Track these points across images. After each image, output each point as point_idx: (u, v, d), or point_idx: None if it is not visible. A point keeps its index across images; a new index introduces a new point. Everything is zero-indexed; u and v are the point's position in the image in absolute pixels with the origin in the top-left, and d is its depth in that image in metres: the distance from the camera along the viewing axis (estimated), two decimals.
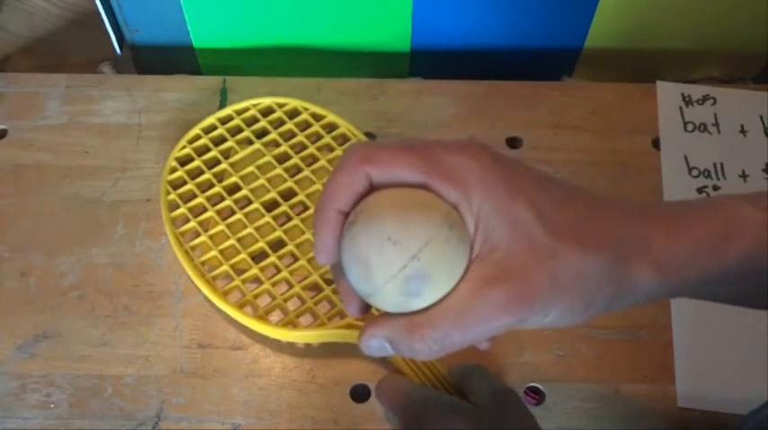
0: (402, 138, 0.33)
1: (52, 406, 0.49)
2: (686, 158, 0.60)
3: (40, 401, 0.49)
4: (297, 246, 0.54)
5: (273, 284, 0.52)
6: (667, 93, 0.64)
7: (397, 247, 0.30)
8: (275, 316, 0.51)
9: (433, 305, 0.31)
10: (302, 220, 0.55)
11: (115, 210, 0.57)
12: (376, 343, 0.33)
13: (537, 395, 0.50)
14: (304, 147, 0.59)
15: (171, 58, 0.68)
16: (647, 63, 0.69)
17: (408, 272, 0.30)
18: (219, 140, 0.59)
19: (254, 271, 0.52)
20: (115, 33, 0.66)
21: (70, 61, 0.71)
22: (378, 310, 0.33)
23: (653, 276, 0.31)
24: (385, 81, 0.64)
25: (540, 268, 0.31)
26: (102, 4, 0.63)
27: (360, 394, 0.49)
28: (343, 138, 0.59)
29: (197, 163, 0.58)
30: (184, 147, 0.58)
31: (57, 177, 0.58)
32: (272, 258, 0.53)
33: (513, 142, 0.61)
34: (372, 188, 0.33)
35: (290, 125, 0.60)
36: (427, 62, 0.69)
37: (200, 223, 0.55)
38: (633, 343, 0.52)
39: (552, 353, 0.51)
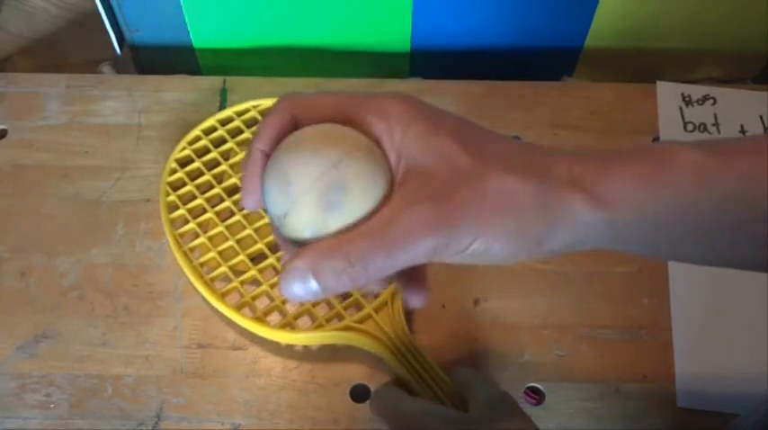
0: None
1: (52, 406, 0.49)
2: None
3: (40, 401, 0.49)
4: None
5: (272, 286, 0.52)
6: (667, 93, 0.64)
7: (317, 155, 0.31)
8: (273, 317, 0.51)
9: (353, 226, 0.30)
10: None
11: (115, 210, 0.57)
12: (298, 275, 0.30)
13: (537, 395, 0.50)
14: None
15: (171, 58, 0.68)
16: (647, 63, 0.69)
17: (327, 179, 0.30)
18: (219, 142, 0.59)
19: (253, 272, 0.52)
20: (115, 33, 0.66)
21: (70, 61, 0.71)
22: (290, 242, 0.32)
23: (586, 206, 0.30)
24: (385, 81, 0.64)
25: (465, 187, 0.29)
26: (102, 4, 0.63)
27: (360, 394, 0.49)
28: None
29: (197, 164, 0.58)
30: (184, 148, 0.58)
31: (57, 177, 0.58)
32: (271, 259, 0.53)
33: None
34: (296, 128, 0.33)
35: None
36: (427, 62, 0.69)
37: (200, 224, 0.55)
38: (633, 343, 0.52)
39: (552, 353, 0.51)
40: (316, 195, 0.30)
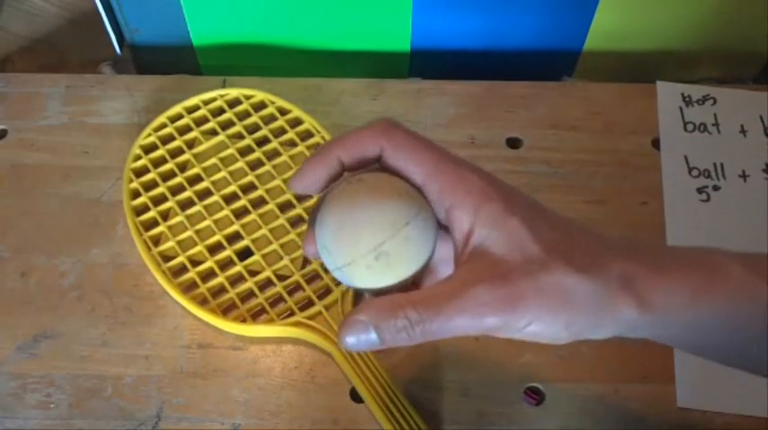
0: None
1: (52, 406, 0.49)
2: (686, 158, 0.60)
3: (40, 401, 0.49)
4: (252, 241, 0.54)
5: (228, 278, 0.52)
6: (667, 93, 0.64)
7: (390, 214, 0.33)
8: (227, 309, 0.52)
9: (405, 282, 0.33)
10: (259, 215, 0.55)
11: (115, 210, 0.57)
12: (361, 327, 0.32)
13: (537, 395, 0.50)
14: (267, 141, 0.59)
15: (171, 58, 0.68)
16: (647, 63, 0.69)
17: (395, 239, 0.33)
18: (185, 130, 0.60)
19: (210, 263, 0.53)
20: (115, 33, 0.66)
21: (70, 61, 0.71)
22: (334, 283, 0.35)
23: (634, 310, 0.32)
24: (385, 81, 0.64)
25: (528, 276, 0.32)
26: (102, 4, 0.63)
27: (360, 394, 0.49)
28: (307, 134, 0.60)
29: (161, 151, 0.58)
30: (149, 134, 0.59)
31: (57, 177, 0.58)
32: (228, 251, 0.53)
33: (513, 142, 0.61)
34: (378, 160, 0.35)
35: (254, 118, 0.60)
36: (427, 62, 0.69)
37: (160, 213, 0.55)
38: (633, 343, 0.51)
39: (552, 353, 0.51)
40: (377, 253, 0.33)
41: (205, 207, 0.56)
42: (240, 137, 0.59)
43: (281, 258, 0.53)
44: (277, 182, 0.57)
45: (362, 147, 0.34)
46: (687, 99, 0.63)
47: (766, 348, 0.34)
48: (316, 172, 0.35)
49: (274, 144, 0.59)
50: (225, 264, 0.53)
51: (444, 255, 0.36)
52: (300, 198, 0.56)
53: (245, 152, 0.59)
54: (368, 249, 0.33)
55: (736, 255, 0.34)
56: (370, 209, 0.33)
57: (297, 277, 0.53)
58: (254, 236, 0.54)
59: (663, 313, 0.33)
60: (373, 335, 0.32)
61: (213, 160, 0.58)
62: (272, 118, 0.61)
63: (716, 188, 0.59)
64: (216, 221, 0.55)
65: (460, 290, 0.32)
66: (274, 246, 0.54)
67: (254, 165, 0.58)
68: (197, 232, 0.54)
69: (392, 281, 0.33)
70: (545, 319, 0.32)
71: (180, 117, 0.60)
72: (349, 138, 0.35)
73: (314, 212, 0.36)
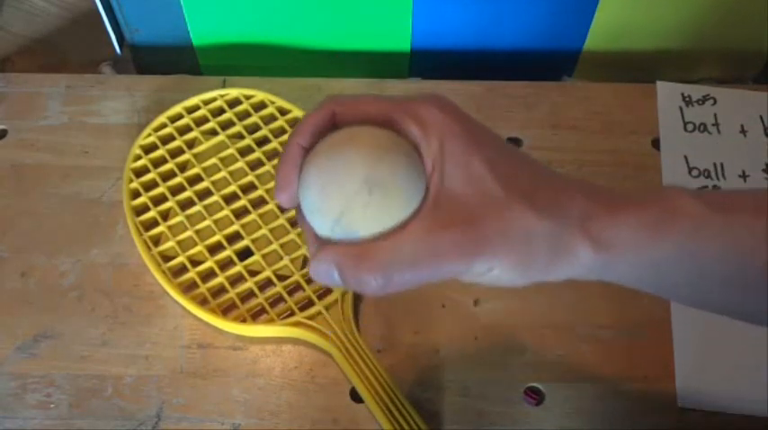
0: None
1: (52, 406, 0.49)
2: (686, 158, 0.60)
3: (40, 401, 0.49)
4: (252, 241, 0.54)
5: (228, 278, 0.52)
6: (667, 93, 0.64)
7: (363, 155, 0.32)
8: (227, 309, 0.52)
9: (383, 235, 0.32)
10: (259, 215, 0.55)
11: (115, 210, 0.57)
12: (324, 267, 0.32)
13: (537, 395, 0.50)
14: (267, 141, 0.59)
15: (171, 58, 0.68)
16: (647, 63, 0.69)
17: (373, 179, 0.31)
18: (185, 130, 0.60)
19: (210, 263, 0.53)
20: (115, 33, 0.66)
21: (70, 61, 0.71)
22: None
23: (589, 250, 0.32)
24: (385, 81, 0.64)
25: (492, 220, 0.31)
26: (102, 4, 0.63)
27: (360, 394, 0.49)
28: None
29: (161, 151, 0.58)
30: (149, 134, 0.59)
31: (57, 177, 0.58)
32: (228, 251, 0.53)
33: (514, 142, 0.61)
34: (336, 126, 0.34)
35: (254, 118, 0.60)
36: (427, 62, 0.69)
37: (160, 213, 0.55)
38: (633, 342, 0.52)
39: (552, 353, 0.51)
40: (369, 185, 0.32)
41: (205, 207, 0.56)
42: (240, 137, 0.59)
43: (281, 258, 0.53)
44: None
45: (315, 124, 0.34)
46: (687, 99, 0.63)
47: (721, 284, 0.33)
48: (292, 177, 0.34)
49: (274, 144, 0.59)
50: (225, 264, 0.53)
51: None
52: None
53: (245, 152, 0.59)
54: (358, 185, 0.31)
55: (694, 193, 0.33)
56: (346, 151, 0.32)
57: (297, 277, 0.53)
58: (254, 236, 0.54)
59: (620, 252, 0.32)
60: (336, 277, 0.32)
61: (213, 160, 0.58)
62: (272, 118, 0.61)
63: (716, 188, 0.59)
64: (216, 221, 0.55)
65: (426, 236, 0.32)
66: (274, 246, 0.54)
67: (254, 166, 0.58)
68: (197, 232, 0.55)
69: (396, 217, 0.32)
70: (508, 264, 0.32)
71: (180, 117, 0.60)
72: (301, 125, 0.34)
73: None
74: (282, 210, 0.56)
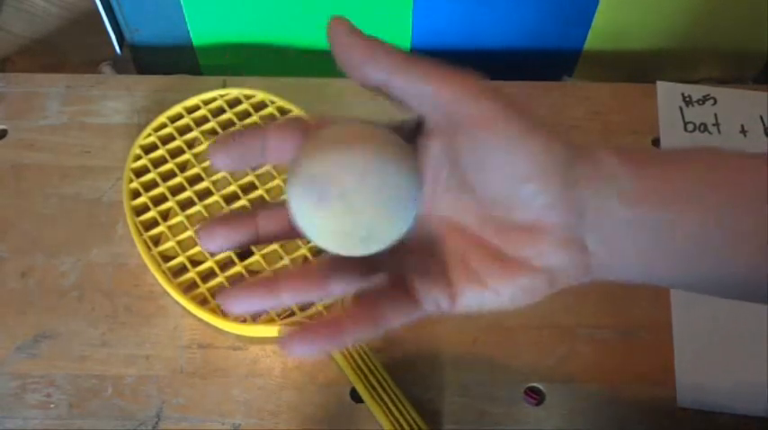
0: None
1: (52, 406, 0.49)
2: None
3: (40, 401, 0.49)
4: None
5: (228, 278, 0.53)
6: (667, 93, 0.64)
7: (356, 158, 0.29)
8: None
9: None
10: None
11: (115, 210, 0.57)
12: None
13: (537, 395, 0.50)
14: None
15: (171, 58, 0.68)
16: (647, 63, 0.69)
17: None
18: (185, 130, 0.60)
19: (210, 263, 0.53)
20: (115, 33, 0.66)
21: (70, 61, 0.71)
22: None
23: (614, 158, 0.30)
24: None
25: (519, 122, 0.30)
26: (102, 4, 0.63)
27: (359, 394, 0.49)
28: None
29: (161, 151, 0.58)
30: (149, 134, 0.59)
31: (57, 177, 0.58)
32: (228, 251, 0.54)
33: None
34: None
35: (255, 118, 0.60)
36: None
37: (160, 213, 0.55)
38: (633, 343, 0.52)
39: (552, 353, 0.51)
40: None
41: (205, 207, 0.56)
42: None
43: (282, 258, 0.53)
44: (277, 182, 0.57)
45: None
46: (687, 99, 0.63)
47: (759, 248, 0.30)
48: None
49: None
50: (225, 264, 0.53)
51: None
52: None
53: None
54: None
55: (729, 152, 0.31)
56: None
57: None
58: None
59: (654, 173, 0.30)
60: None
61: None
62: (272, 118, 0.61)
63: None
64: None
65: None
66: (274, 245, 0.54)
67: (254, 165, 0.58)
68: (197, 232, 0.54)
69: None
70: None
71: (180, 117, 0.60)
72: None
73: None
74: None
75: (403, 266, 0.33)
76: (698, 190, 0.30)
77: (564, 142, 0.30)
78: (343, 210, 0.28)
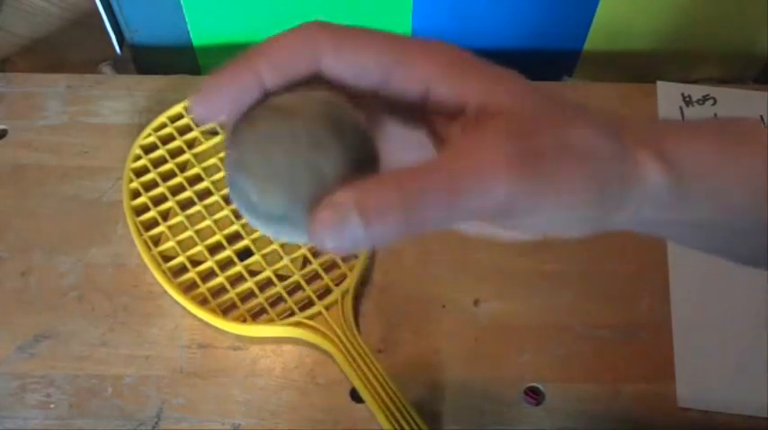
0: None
1: (52, 406, 0.49)
2: None
3: (40, 401, 0.49)
4: (252, 240, 0.54)
5: (228, 278, 0.53)
6: (667, 93, 0.64)
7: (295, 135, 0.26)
8: (227, 309, 0.52)
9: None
10: None
11: (115, 210, 0.57)
12: (336, 215, 0.23)
13: (537, 395, 0.50)
14: None
15: (171, 58, 0.68)
16: (647, 63, 0.69)
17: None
18: (185, 130, 0.60)
19: (210, 263, 0.53)
20: (115, 33, 0.66)
21: (70, 61, 0.71)
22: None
23: (659, 170, 0.27)
24: None
25: (548, 131, 0.25)
26: (102, 4, 0.63)
27: (360, 394, 0.49)
28: None
29: (161, 151, 0.58)
30: (149, 134, 0.59)
31: (57, 177, 0.58)
32: (228, 251, 0.54)
33: None
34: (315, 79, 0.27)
35: None
36: None
37: (160, 213, 0.55)
38: (633, 343, 0.52)
39: (552, 353, 0.51)
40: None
41: (205, 207, 0.56)
42: None
43: (281, 258, 0.53)
44: None
45: (292, 54, 0.27)
46: (687, 99, 0.63)
47: None
48: (223, 96, 0.27)
49: None
50: (225, 264, 0.53)
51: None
52: None
53: None
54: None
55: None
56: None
57: (297, 277, 0.53)
58: (255, 235, 0.54)
59: (696, 172, 0.27)
60: (356, 222, 0.22)
61: (213, 160, 0.58)
62: None
63: None
64: (216, 221, 0.55)
65: (467, 151, 0.24)
66: (274, 245, 0.54)
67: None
68: (197, 232, 0.54)
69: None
70: (578, 187, 0.25)
71: (180, 117, 0.60)
72: (272, 44, 0.27)
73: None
74: None
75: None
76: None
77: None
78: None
